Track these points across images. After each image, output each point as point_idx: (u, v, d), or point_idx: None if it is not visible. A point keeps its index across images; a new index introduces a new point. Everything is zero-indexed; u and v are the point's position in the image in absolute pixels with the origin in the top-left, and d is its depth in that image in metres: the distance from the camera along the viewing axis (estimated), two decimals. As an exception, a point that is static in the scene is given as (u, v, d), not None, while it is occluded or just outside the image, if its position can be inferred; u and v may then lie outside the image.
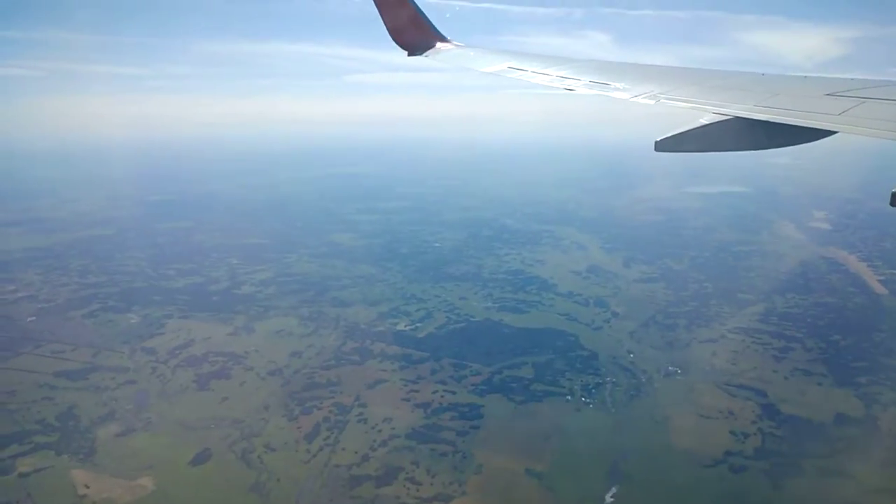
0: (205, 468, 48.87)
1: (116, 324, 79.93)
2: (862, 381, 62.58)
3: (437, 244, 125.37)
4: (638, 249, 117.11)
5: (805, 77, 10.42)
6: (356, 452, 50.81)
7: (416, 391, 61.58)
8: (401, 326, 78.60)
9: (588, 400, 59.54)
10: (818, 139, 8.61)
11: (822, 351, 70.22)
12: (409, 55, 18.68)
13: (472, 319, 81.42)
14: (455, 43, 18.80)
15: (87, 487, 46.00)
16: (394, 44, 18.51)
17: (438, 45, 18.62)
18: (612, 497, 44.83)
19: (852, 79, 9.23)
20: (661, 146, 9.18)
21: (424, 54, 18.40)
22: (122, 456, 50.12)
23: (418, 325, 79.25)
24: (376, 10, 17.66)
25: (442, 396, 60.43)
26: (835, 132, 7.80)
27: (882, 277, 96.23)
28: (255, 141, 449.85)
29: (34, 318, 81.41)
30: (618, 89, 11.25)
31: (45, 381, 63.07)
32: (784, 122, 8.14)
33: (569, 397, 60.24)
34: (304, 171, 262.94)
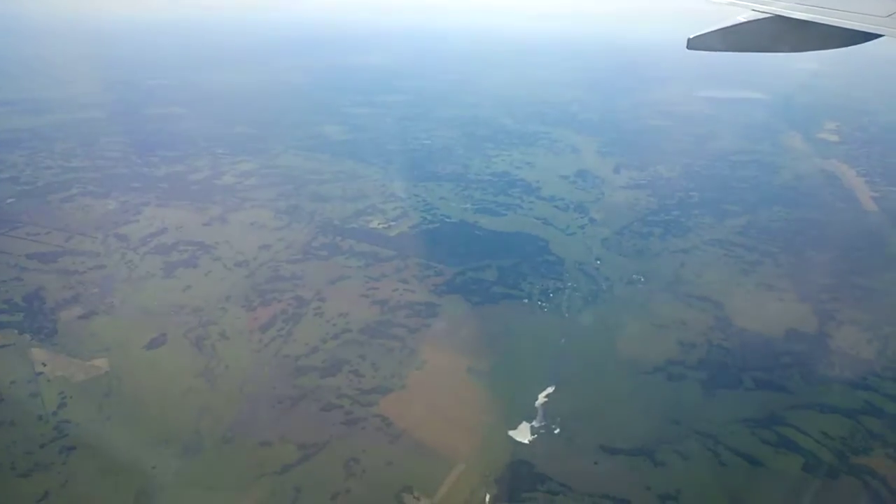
0: (158, 352, 50.66)
1: (93, 209, 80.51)
2: (824, 297, 62.32)
3: (427, 141, 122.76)
4: (633, 155, 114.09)
5: None
6: (307, 344, 52.24)
7: (377, 289, 62.31)
8: (374, 224, 78.50)
9: (544, 304, 60.08)
10: (859, 43, 7.76)
11: (793, 266, 69.57)
12: None
13: (447, 220, 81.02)
14: None
15: (44, 365, 48.00)
16: None
17: None
18: (544, 397, 46.14)
19: None
20: (694, 44, 8.52)
21: None
22: (82, 337, 51.95)
23: (392, 223, 79.06)
24: None
25: (401, 295, 61.17)
26: (879, 36, 6.98)
27: (876, 194, 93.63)
28: (264, 26, 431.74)
29: (13, 199, 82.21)
30: None
31: (17, 262, 64.55)
32: (825, 23, 7.46)
33: (526, 300, 60.80)
34: (306, 60, 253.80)
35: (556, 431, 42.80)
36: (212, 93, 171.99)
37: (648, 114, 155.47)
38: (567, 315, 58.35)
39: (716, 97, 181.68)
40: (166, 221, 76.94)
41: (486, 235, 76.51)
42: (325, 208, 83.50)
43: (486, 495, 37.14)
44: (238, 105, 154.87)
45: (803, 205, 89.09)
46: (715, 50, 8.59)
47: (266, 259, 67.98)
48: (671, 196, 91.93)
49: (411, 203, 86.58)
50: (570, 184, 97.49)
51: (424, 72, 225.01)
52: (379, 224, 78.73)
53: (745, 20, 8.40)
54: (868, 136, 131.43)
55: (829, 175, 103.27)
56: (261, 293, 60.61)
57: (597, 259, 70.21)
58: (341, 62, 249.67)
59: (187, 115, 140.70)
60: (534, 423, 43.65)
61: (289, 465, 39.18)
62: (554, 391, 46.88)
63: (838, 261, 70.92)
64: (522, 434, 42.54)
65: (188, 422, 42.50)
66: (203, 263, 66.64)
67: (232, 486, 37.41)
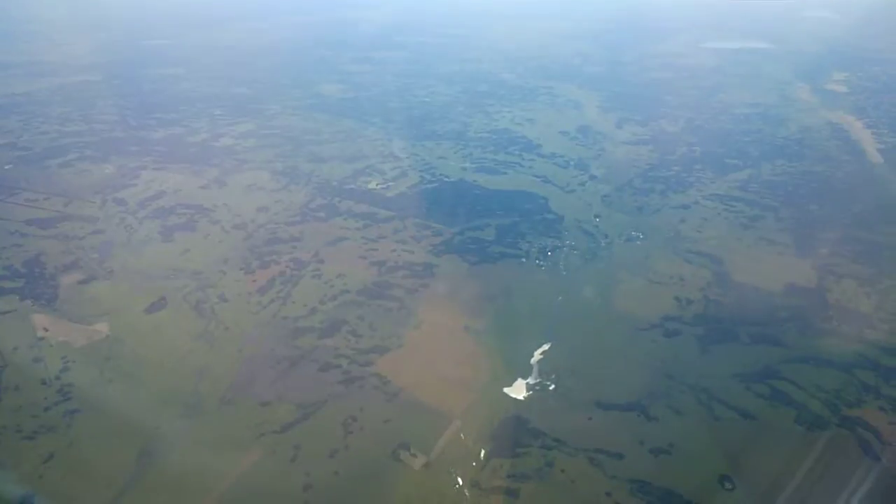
0: (158, 316, 51.16)
1: (91, 174, 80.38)
2: (824, 251, 61.97)
3: (427, 99, 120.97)
4: (635, 109, 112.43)
5: None
6: (305, 305, 52.62)
7: (375, 250, 62.35)
8: (372, 185, 78.05)
9: (542, 263, 60.05)
10: None
11: (794, 221, 68.93)
12: None
13: (445, 180, 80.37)
14: None
15: (46, 331, 48.63)
16: None
17: None
18: (539, 354, 46.54)
19: None
20: None
21: None
22: (82, 302, 52.50)
23: (390, 183, 78.58)
24: None
25: (399, 255, 61.21)
26: None
27: (882, 146, 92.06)
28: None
29: (11, 165, 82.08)
30: None
31: (16, 229, 64.88)
32: None
33: (523, 259, 60.74)
34: (306, 15, 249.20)
35: (550, 388, 43.27)
36: (209, 52, 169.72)
37: (653, 66, 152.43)
38: (565, 273, 58.35)
39: (722, 48, 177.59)
40: (164, 185, 76.84)
41: (485, 194, 75.96)
42: (323, 169, 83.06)
43: (481, 451, 37.81)
44: (235, 64, 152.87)
45: (807, 158, 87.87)
46: None
47: (264, 221, 68.00)
48: (673, 151, 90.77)
49: (410, 163, 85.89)
50: (570, 140, 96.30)
51: (424, 27, 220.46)
52: (377, 185, 78.25)
53: None
54: (878, 86, 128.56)
55: (836, 127, 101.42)
56: (259, 255, 60.81)
57: (596, 216, 69.85)
58: (340, 17, 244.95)
59: (185, 76, 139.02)
60: (529, 379, 44.12)
61: (288, 424, 39.87)
62: (550, 348, 47.24)
63: (841, 214, 70.32)
64: (518, 391, 43.03)
65: (188, 384, 43.18)
66: (201, 227, 66.74)
67: (232, 446, 38.13)
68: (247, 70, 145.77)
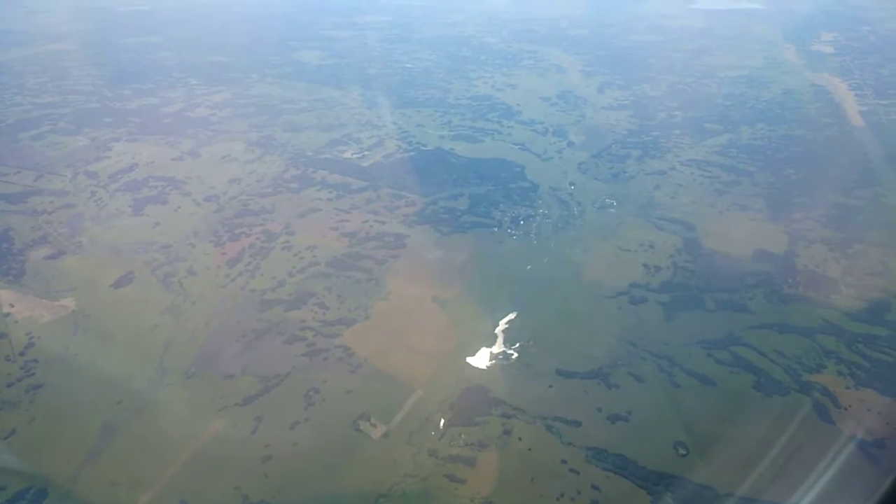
0: (125, 290, 51.06)
1: (64, 146, 79.40)
2: (797, 216, 61.89)
3: (408, 65, 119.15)
4: (618, 73, 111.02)
5: None
6: (273, 278, 52.53)
7: (347, 220, 62.03)
8: (347, 154, 77.28)
9: (513, 232, 59.91)
10: None
11: (770, 186, 68.72)
12: None
13: (422, 148, 79.61)
14: None
15: (12, 307, 48.55)
16: None
17: None
18: (504, 324, 46.78)
19: None
20: None
21: None
22: (49, 277, 52.33)
23: (366, 153, 77.81)
24: None
25: (371, 226, 60.91)
26: None
27: (864, 108, 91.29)
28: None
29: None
30: None
31: (-15, 204, 64.36)
32: None
33: (495, 229, 60.56)
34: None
35: (513, 357, 43.59)
36: (187, 18, 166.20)
37: (640, 29, 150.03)
38: (535, 242, 58.28)
39: (711, 9, 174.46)
40: (137, 157, 75.98)
41: (461, 163, 75.33)
42: (298, 139, 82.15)
43: (441, 420, 38.23)
44: (214, 30, 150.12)
45: (788, 121, 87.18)
46: None
47: (236, 193, 67.47)
48: (653, 116, 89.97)
49: (387, 131, 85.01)
50: (551, 106, 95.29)
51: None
52: (353, 154, 77.52)
53: None
54: (866, 47, 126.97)
55: (819, 89, 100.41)
56: (230, 228, 60.47)
57: (571, 184, 69.49)
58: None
59: (162, 44, 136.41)
60: (493, 349, 44.41)
61: (251, 397, 40.13)
62: (515, 318, 47.45)
63: (816, 178, 70.07)
64: (480, 360, 43.34)
65: (153, 358, 43.29)
66: (173, 199, 66.21)
67: (194, 419, 38.50)
68: (224, 36, 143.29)
